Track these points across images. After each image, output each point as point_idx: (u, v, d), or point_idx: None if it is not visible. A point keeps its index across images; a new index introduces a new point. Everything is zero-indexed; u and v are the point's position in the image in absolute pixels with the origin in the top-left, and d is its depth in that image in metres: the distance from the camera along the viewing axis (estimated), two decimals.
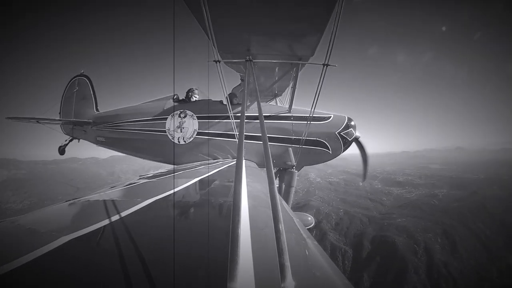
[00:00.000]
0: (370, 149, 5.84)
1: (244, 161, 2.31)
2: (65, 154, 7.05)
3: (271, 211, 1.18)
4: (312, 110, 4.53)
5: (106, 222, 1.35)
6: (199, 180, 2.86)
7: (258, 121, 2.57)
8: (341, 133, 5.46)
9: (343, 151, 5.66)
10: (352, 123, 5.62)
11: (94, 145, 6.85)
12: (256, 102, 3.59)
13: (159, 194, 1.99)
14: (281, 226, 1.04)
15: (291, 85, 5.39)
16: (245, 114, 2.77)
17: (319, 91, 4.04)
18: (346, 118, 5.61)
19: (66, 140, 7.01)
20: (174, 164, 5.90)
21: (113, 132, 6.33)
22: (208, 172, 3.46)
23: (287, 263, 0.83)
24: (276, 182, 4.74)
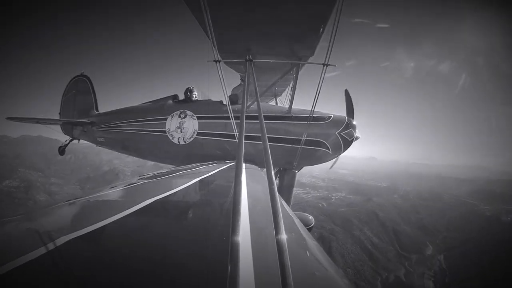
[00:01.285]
0: None
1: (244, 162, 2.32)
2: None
3: (271, 211, 1.18)
4: (312, 110, 4.53)
5: (106, 222, 1.35)
6: (199, 180, 2.85)
7: (258, 121, 2.57)
8: (341, 133, 5.44)
9: (343, 151, 5.65)
10: (353, 123, 5.60)
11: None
12: (256, 102, 3.59)
13: (159, 194, 1.98)
14: (281, 226, 1.04)
15: (291, 85, 5.38)
16: (245, 114, 2.77)
17: (319, 91, 4.04)
18: (346, 118, 5.60)
19: (66, 140, 7.02)
20: (174, 165, 5.90)
21: (113, 133, 6.32)
22: (208, 173, 3.45)
23: (287, 263, 0.83)
24: (276, 182, 4.73)
